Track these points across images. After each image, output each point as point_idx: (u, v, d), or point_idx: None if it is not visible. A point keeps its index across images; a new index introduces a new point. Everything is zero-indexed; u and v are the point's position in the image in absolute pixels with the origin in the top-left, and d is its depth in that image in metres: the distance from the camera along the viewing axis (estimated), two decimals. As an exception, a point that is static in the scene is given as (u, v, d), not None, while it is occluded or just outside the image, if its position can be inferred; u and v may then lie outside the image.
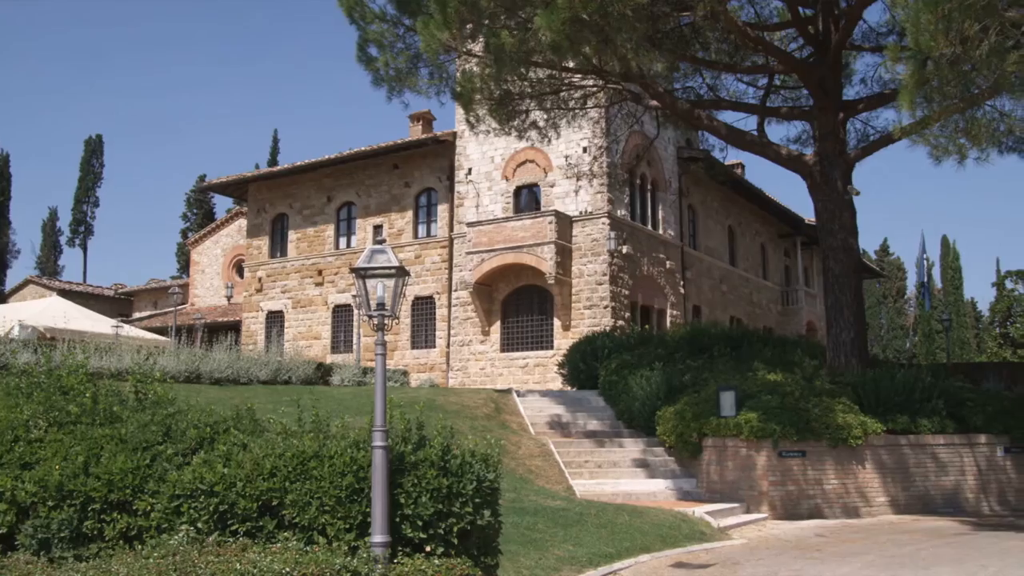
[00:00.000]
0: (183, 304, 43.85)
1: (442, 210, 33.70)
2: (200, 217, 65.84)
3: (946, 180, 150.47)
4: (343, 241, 36.20)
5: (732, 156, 38.15)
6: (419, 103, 35.95)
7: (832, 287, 20.86)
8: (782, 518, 15.78)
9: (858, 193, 21.43)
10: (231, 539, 7.14)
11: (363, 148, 34.95)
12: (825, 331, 22.07)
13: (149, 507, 7.62)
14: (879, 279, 62.80)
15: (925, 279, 35.23)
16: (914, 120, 15.78)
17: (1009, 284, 59.33)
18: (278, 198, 38.01)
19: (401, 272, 7.44)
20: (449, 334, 32.27)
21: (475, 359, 31.32)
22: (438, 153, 33.74)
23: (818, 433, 16.23)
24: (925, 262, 33.82)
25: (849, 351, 20.29)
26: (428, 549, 7.08)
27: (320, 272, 36.06)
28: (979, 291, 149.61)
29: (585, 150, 29.63)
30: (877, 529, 14.81)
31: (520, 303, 30.99)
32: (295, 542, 6.97)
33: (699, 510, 14.63)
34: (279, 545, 6.94)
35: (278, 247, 38.00)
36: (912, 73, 14.00)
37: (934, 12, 13.17)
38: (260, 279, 37.81)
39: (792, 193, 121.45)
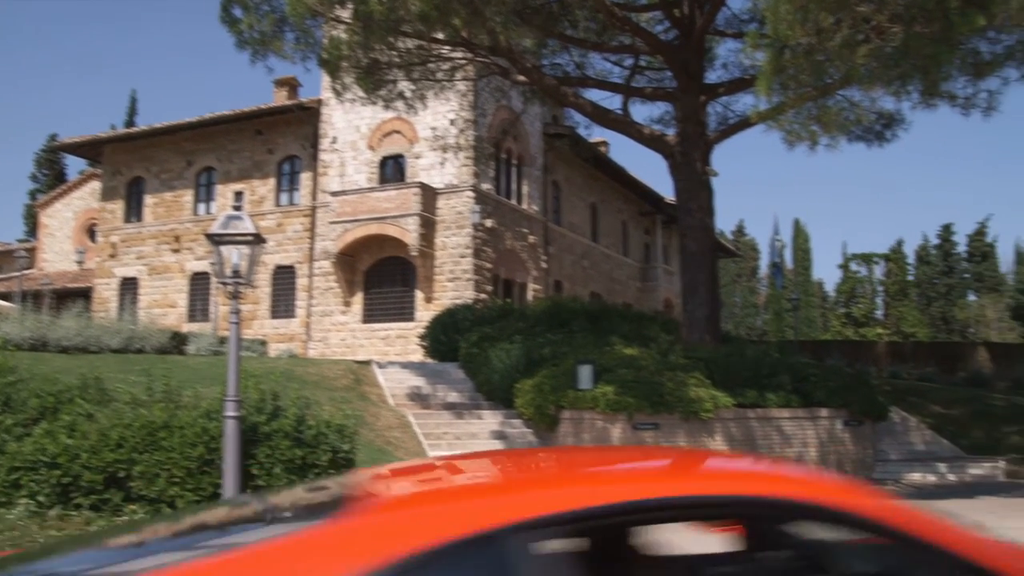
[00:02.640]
0: (30, 268, 41.94)
1: (306, 178, 33.12)
2: (50, 178, 62.76)
3: (799, 165, 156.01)
4: (202, 207, 35.18)
5: (597, 134, 38.59)
6: (284, 68, 35.07)
7: (689, 265, 21.40)
8: (635, 489, 16.15)
9: (716, 174, 22.06)
10: (75, 512, 6.91)
11: (225, 112, 34.02)
12: (681, 307, 22.68)
13: (-14, 479, 7.29)
14: (734, 259, 64.85)
15: (777, 260, 36.58)
16: (770, 106, 16.25)
17: (854, 266, 62.28)
18: (135, 161, 36.64)
19: (257, 239, 7.29)
20: (310, 304, 31.83)
21: (336, 330, 31.00)
22: (303, 120, 33.11)
23: (671, 406, 16.67)
24: (777, 243, 35.10)
25: (703, 327, 20.89)
26: (281, 521, 7.00)
27: (178, 239, 34.99)
28: (827, 272, 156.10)
29: (452, 122, 29.56)
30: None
31: (383, 274, 30.79)
32: (142, 515, 6.79)
33: (555, 481, 14.85)
34: (125, 518, 6.76)
35: (134, 212, 36.66)
36: (770, 60, 14.43)
37: (792, 2, 13.60)
38: (114, 244, 36.45)
39: (654, 172, 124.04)
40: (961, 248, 69.50)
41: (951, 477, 19.22)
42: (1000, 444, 21.97)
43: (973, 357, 36.90)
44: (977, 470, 19.61)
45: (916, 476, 19.24)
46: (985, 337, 57.61)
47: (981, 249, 68.53)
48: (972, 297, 68.30)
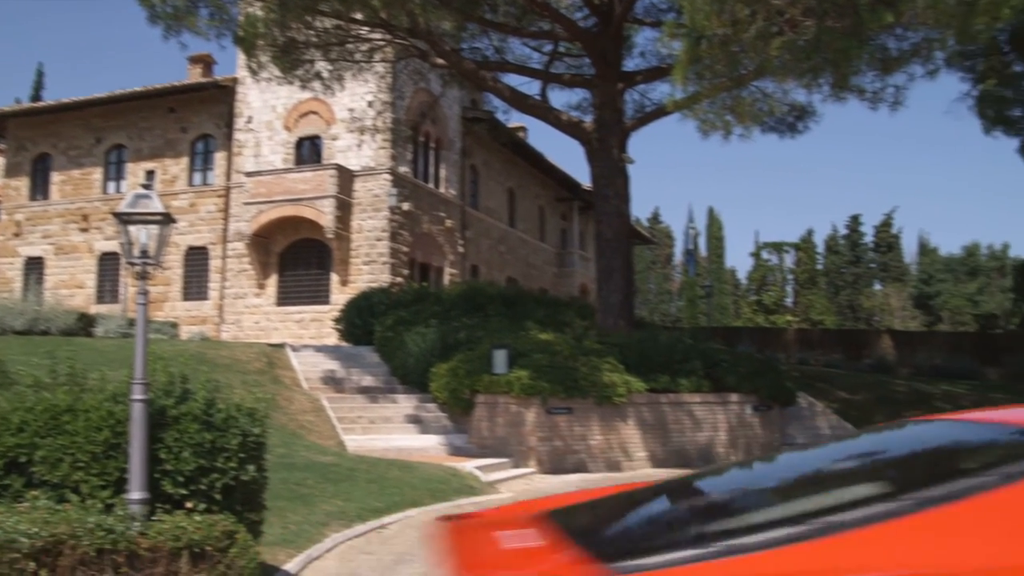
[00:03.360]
0: (-72, 246, 40.45)
1: (220, 158, 32.55)
2: (-50, 152, 60.56)
3: (714, 154, 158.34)
4: (112, 186, 34.31)
5: (515, 119, 38.67)
6: (199, 45, 34.33)
7: (604, 251, 21.60)
8: (549, 472, 16.31)
9: (632, 161, 22.26)
10: (-28, 498, 6.71)
11: (137, 89, 33.20)
12: (596, 293, 22.89)
13: None
14: (650, 245, 65.53)
15: (691, 247, 37.20)
16: (686, 95, 16.47)
17: (765, 255, 63.49)
18: (41, 136, 35.55)
19: (167, 219, 7.13)
20: (223, 286, 31.34)
21: (250, 312, 30.59)
22: (217, 98, 32.49)
23: (585, 391, 16.84)
24: (691, 231, 35.68)
25: (618, 313, 21.12)
26: (189, 505, 6.89)
27: (86, 217, 34.08)
28: (739, 260, 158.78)
29: (370, 104, 29.29)
30: (635, 482, 15.55)
31: (298, 257, 30.46)
32: (45, 500, 6.62)
33: (469, 465, 14.93)
34: (27, 504, 6.58)
35: (40, 189, 35.57)
36: (686, 50, 14.61)
37: (709, -7, 13.81)
38: (18, 223, 35.35)
39: (571, 159, 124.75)
40: (868, 239, 71.37)
41: (854, 460, 19.75)
42: (901, 429, 22.63)
43: (877, 344, 37.93)
44: (879, 454, 20.17)
45: (821, 460, 19.72)
46: (889, 325, 59.34)
47: (887, 240, 70.47)
48: (878, 286, 70.22)
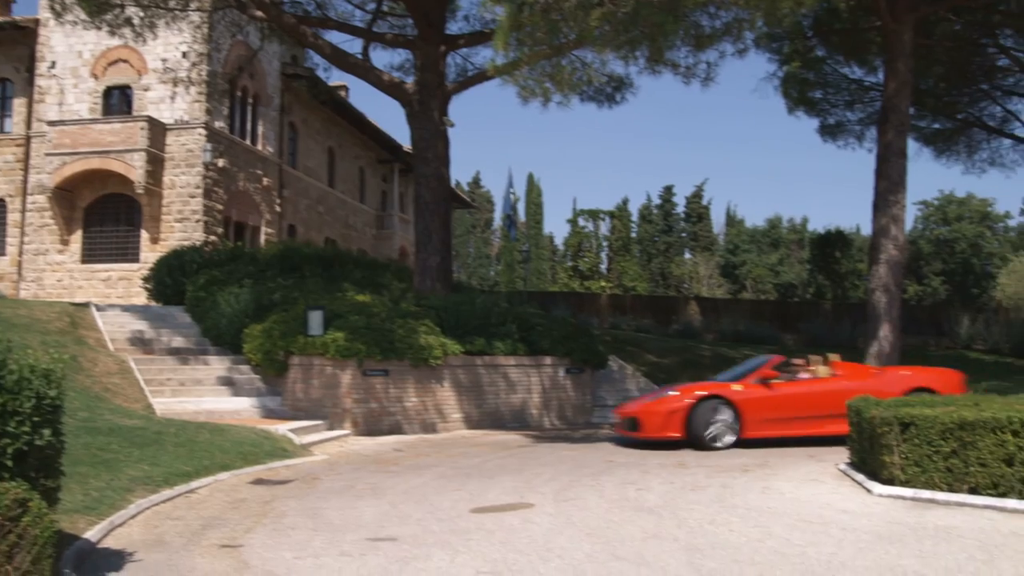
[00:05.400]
0: None
1: (19, 104, 30.67)
2: None
3: (535, 121, 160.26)
4: None
5: (336, 77, 38.16)
6: (-5, -18, 32.28)
7: (423, 214, 21.62)
8: (364, 435, 16.29)
9: (453, 125, 22.30)
10: None
11: (-77, 25, 30.86)
12: (414, 256, 22.92)
13: None
14: (470, 210, 65.88)
15: (511, 212, 37.52)
16: (507, 60, 16.60)
17: (582, 222, 64.78)
18: None
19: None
20: (23, 242, 29.65)
21: (52, 270, 29.10)
22: (17, 40, 30.56)
23: (401, 353, 16.86)
24: (511, 196, 35.99)
25: (435, 276, 21.22)
26: (-22, 472, 6.56)
27: None
28: (557, 227, 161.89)
29: (185, 55, 28.20)
30: (451, 443, 15.75)
31: (105, 212, 29.15)
32: None
33: (282, 428, 14.74)
34: None
35: None
36: (508, 16, 14.73)
37: (531, -40, 13.93)
38: None
39: (393, 120, 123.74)
40: (680, 209, 74.01)
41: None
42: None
43: (685, 311, 39.42)
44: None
45: (629, 421, 20.45)
46: (697, 292, 61.81)
47: (697, 211, 73.30)
48: (687, 255, 73.01)
